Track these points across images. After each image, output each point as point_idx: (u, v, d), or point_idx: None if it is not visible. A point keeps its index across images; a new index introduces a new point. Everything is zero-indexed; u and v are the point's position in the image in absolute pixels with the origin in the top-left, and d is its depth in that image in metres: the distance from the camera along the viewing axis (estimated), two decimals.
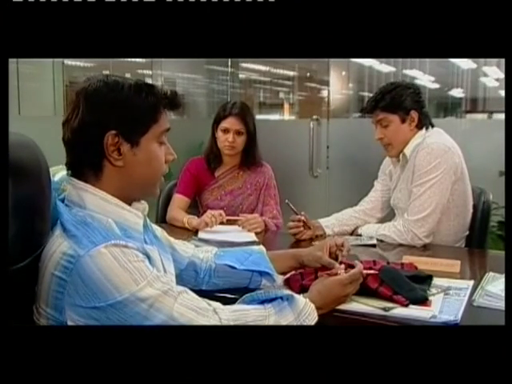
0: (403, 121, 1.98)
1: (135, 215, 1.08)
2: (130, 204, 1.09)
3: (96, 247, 0.91)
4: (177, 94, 1.10)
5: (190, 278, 1.32)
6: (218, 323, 0.98)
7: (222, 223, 2.13)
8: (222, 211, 2.16)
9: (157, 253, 1.11)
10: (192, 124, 4.19)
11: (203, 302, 1.00)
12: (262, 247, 1.45)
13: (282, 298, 1.09)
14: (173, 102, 1.10)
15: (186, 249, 1.37)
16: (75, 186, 1.04)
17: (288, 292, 1.12)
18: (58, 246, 0.95)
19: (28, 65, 3.34)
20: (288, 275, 1.37)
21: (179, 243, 1.37)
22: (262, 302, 1.09)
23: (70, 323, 0.91)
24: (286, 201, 2.02)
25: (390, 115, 1.98)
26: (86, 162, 1.04)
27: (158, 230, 1.27)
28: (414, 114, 1.99)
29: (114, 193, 1.05)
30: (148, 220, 1.17)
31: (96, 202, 1.02)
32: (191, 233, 2.12)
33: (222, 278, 1.36)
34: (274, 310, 1.06)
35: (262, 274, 1.35)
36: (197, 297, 1.01)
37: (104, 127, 1.01)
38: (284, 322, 1.05)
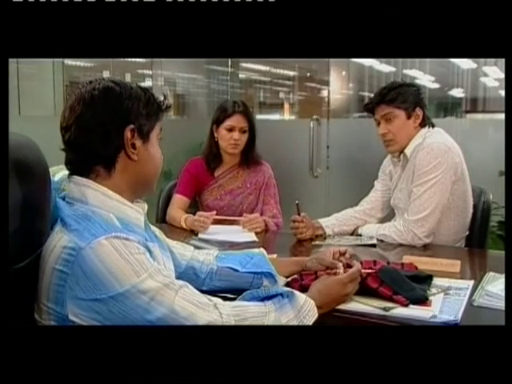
0: (409, 117, 1.98)
1: (136, 211, 1.09)
2: (132, 202, 1.10)
3: (97, 239, 0.92)
4: (166, 96, 1.15)
5: (189, 280, 1.30)
6: (218, 318, 0.98)
7: (218, 222, 2.13)
8: (212, 212, 2.17)
9: (157, 249, 1.11)
10: (192, 124, 4.19)
11: (204, 297, 1.01)
12: (262, 250, 1.46)
13: (282, 295, 1.09)
14: (166, 103, 1.13)
15: (184, 252, 1.37)
16: (77, 183, 1.04)
17: (288, 289, 1.12)
18: (58, 240, 0.95)
19: (28, 65, 3.33)
20: (289, 279, 1.37)
21: (177, 246, 1.37)
22: (263, 299, 1.09)
23: (71, 316, 0.91)
24: (297, 201, 2.01)
25: (396, 110, 1.98)
26: (99, 159, 1.05)
27: (157, 231, 1.27)
28: (419, 112, 1.99)
29: (123, 188, 1.06)
30: (147, 220, 1.17)
31: (98, 198, 1.03)
32: (191, 232, 2.12)
33: (224, 280, 1.36)
34: (274, 307, 1.06)
35: (263, 275, 1.35)
36: (197, 292, 1.02)
37: (123, 122, 1.04)
38: (284, 319, 1.05)
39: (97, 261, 0.90)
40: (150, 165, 1.10)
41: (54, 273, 0.93)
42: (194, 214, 2.29)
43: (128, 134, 1.04)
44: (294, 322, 1.07)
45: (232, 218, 2.22)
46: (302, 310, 1.08)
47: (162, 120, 1.13)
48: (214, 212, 2.18)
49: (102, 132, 1.03)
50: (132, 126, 1.05)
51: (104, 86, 1.05)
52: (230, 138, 2.31)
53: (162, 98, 1.13)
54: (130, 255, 0.93)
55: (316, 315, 1.10)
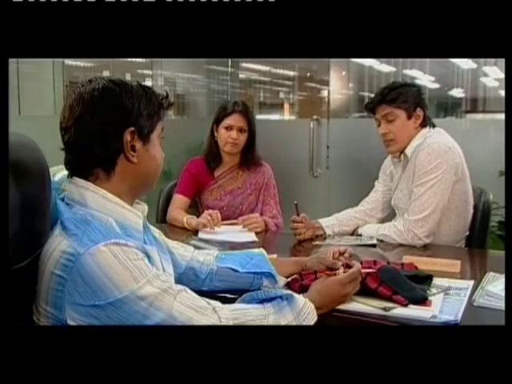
0: (409, 117, 1.98)
1: (135, 215, 1.08)
2: (132, 203, 1.10)
3: (96, 245, 0.91)
4: (168, 93, 1.14)
5: (189, 281, 1.32)
6: (217, 322, 0.98)
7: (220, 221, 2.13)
8: (217, 211, 2.16)
9: (156, 253, 1.10)
10: (192, 124, 4.19)
11: (202, 301, 1.00)
12: (262, 250, 1.46)
13: (281, 297, 1.09)
14: (168, 101, 1.13)
15: (184, 252, 1.37)
16: (77, 185, 1.04)
17: (287, 292, 1.12)
18: (58, 244, 0.95)
19: (28, 65, 3.34)
20: (289, 279, 1.37)
21: (177, 247, 1.37)
22: (262, 301, 1.09)
23: (69, 321, 0.91)
24: (295, 201, 2.01)
25: (396, 110, 1.97)
26: (98, 161, 1.04)
27: (157, 233, 1.27)
28: (420, 112, 1.99)
29: (123, 190, 1.06)
30: (147, 222, 1.17)
31: (97, 200, 1.03)
32: (191, 233, 2.12)
33: (224, 281, 1.36)
34: (273, 310, 1.06)
35: (263, 275, 1.35)
36: (196, 295, 1.01)
37: (123, 125, 1.03)
38: (283, 322, 1.05)
39: (95, 267, 0.90)
40: (151, 166, 1.10)
41: (52, 277, 0.93)
42: (194, 213, 2.30)
43: (128, 136, 1.03)
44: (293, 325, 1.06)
45: (232, 221, 2.21)
46: (302, 313, 1.08)
47: (164, 119, 1.13)
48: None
49: (101, 135, 1.02)
50: (132, 129, 1.04)
51: (104, 86, 1.04)
52: (228, 137, 2.31)
53: (163, 95, 1.11)
54: (128, 261, 0.92)
55: (315, 318, 1.10)
